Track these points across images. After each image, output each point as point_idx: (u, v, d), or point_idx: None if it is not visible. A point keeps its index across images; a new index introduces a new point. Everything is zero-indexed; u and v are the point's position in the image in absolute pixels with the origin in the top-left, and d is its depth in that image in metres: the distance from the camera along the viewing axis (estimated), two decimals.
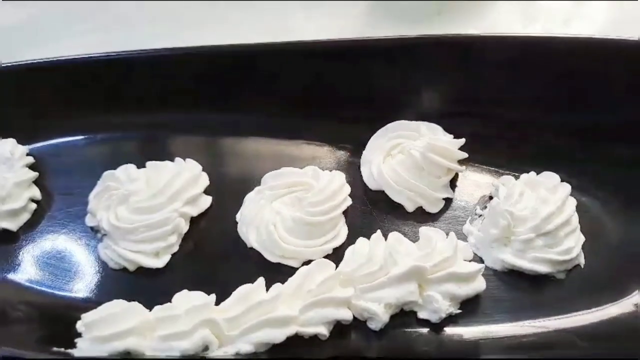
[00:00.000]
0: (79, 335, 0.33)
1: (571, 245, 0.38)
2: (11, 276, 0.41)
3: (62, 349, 0.31)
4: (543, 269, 0.38)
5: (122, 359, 0.30)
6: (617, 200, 0.42)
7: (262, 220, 0.41)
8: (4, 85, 0.49)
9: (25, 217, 0.44)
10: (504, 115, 0.45)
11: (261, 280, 0.37)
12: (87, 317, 0.32)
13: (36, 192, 0.45)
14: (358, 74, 0.47)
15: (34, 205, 0.44)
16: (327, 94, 0.47)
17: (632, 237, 0.40)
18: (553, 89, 0.45)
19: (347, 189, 0.43)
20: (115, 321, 0.31)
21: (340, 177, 0.43)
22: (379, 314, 0.36)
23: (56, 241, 0.43)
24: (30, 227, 0.44)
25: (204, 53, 0.48)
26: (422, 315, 0.37)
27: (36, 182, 0.46)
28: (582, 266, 0.39)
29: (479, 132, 0.45)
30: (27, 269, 0.41)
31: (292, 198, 0.42)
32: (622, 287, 0.38)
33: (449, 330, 0.36)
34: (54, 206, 0.45)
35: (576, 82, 0.44)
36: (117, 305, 0.33)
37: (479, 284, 0.37)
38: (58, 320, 0.37)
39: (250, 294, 0.36)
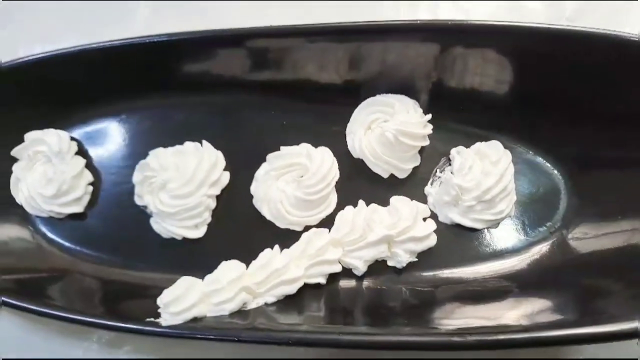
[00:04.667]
0: (154, 304, 0.49)
1: (503, 208, 0.51)
2: (88, 250, 0.55)
3: (153, 319, 0.47)
4: (480, 225, 0.52)
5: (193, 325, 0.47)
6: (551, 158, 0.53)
7: (271, 198, 0.53)
8: (29, 77, 0.55)
9: (86, 198, 0.56)
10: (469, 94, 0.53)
11: (277, 248, 0.52)
12: (163, 298, 0.48)
13: (90, 176, 0.56)
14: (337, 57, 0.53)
15: (91, 188, 0.56)
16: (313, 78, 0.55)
17: (553, 193, 0.53)
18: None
19: (336, 166, 0.54)
20: (183, 299, 0.47)
21: (329, 157, 0.54)
22: (359, 266, 0.51)
23: (117, 216, 0.56)
24: (93, 205, 0.56)
25: (203, 37, 0.53)
26: (390, 263, 0.52)
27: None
28: (512, 217, 0.53)
29: (447, 104, 0.54)
30: (99, 243, 0.55)
31: (293, 176, 0.54)
32: (543, 232, 0.52)
33: (409, 273, 0.52)
34: (105, 185, 0.56)
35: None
36: (181, 285, 0.48)
37: (431, 241, 0.52)
38: (134, 291, 0.52)
39: (270, 261, 0.50)
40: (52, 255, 0.55)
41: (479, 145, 0.53)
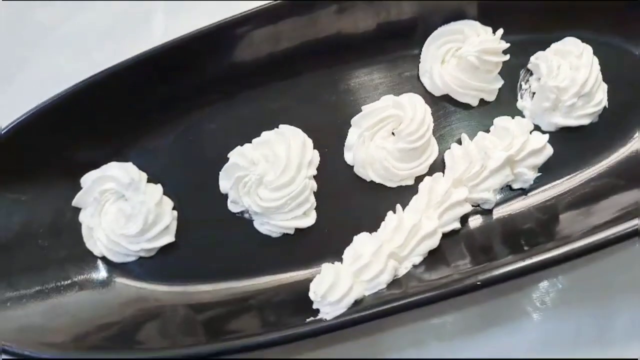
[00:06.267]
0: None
1: (601, 97, 0.51)
2: (194, 279, 0.49)
3: (313, 318, 0.42)
4: (585, 121, 0.51)
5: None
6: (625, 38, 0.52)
7: (374, 159, 0.50)
8: (71, 113, 0.49)
9: (174, 225, 0.49)
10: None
11: (399, 207, 0.48)
12: (317, 291, 0.43)
13: (169, 201, 0.50)
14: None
15: (175, 213, 0.50)
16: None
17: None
18: None
19: (429, 110, 0.51)
20: (338, 286, 0.43)
21: (419, 100, 0.51)
22: (490, 198, 0.49)
23: (214, 234, 0.50)
24: (183, 230, 0.50)
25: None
26: (516, 185, 0.50)
27: None
28: (607, 106, 0.52)
29: (502, 17, 0.52)
30: (202, 269, 0.49)
31: (387, 130, 0.50)
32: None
33: (532, 192, 0.50)
34: (185, 205, 0.50)
35: None
36: (329, 272, 0.44)
37: (549, 150, 0.50)
38: (265, 300, 0.47)
39: (402, 221, 0.47)
40: (155, 296, 0.48)
41: (555, 46, 0.52)
